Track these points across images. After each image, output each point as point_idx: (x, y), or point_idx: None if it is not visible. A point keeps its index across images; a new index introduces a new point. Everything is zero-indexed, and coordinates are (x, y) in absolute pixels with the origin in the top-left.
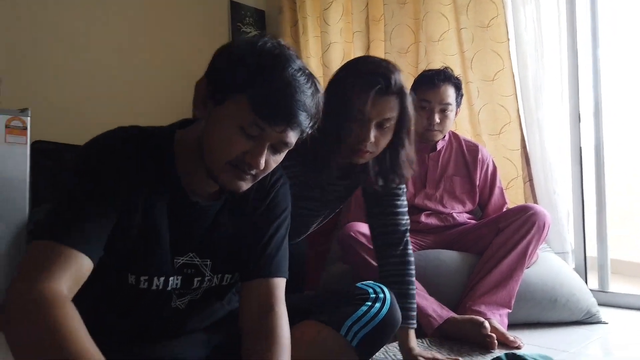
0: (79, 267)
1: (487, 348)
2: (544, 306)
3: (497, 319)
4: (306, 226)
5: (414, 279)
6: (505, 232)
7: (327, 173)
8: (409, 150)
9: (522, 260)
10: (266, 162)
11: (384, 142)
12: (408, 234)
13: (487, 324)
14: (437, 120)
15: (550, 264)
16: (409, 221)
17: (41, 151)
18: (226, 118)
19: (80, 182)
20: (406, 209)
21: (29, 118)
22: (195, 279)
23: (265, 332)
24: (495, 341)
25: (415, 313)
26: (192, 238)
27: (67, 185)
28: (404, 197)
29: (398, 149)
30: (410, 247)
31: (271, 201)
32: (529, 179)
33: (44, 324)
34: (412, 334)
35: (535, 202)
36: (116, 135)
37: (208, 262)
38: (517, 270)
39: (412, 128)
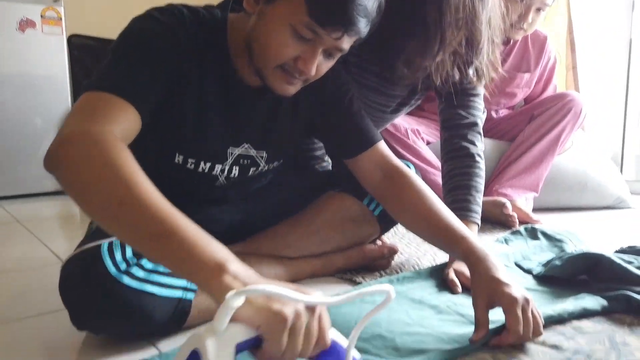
0: (130, 122)
1: (508, 227)
2: (574, 191)
3: (521, 201)
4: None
5: (483, 173)
6: (540, 119)
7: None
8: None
9: (554, 146)
10: (318, 67)
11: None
12: (480, 129)
13: (509, 204)
14: (530, 19)
15: (584, 150)
16: (483, 118)
17: (78, 46)
18: (278, 19)
19: (130, 45)
20: (482, 107)
21: (62, 8)
22: (251, 169)
23: (400, 187)
24: (517, 220)
25: (479, 208)
26: (248, 128)
27: (116, 50)
28: (480, 98)
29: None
30: (482, 143)
31: (330, 86)
32: (573, 66)
33: (109, 162)
34: (472, 229)
35: (577, 90)
36: (167, 9)
37: (264, 154)
38: (548, 156)
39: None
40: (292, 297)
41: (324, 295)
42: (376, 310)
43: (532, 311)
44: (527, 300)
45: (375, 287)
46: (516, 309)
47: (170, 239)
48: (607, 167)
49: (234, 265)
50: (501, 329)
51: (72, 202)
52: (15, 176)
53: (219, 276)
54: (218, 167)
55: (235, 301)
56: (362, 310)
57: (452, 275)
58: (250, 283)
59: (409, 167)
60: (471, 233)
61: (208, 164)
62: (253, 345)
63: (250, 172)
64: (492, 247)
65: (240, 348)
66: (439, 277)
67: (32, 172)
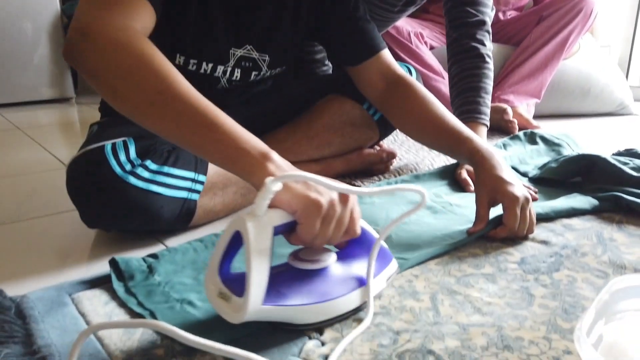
0: (147, 18)
1: (508, 133)
2: (576, 96)
3: (523, 107)
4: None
5: (492, 74)
6: (548, 20)
7: None
8: None
9: (560, 50)
10: None
11: None
12: (489, 27)
13: (509, 110)
14: None
15: (590, 54)
16: (492, 16)
17: None
18: None
19: None
20: (490, 3)
21: None
22: (253, 73)
23: (404, 95)
24: (516, 126)
25: (489, 110)
26: (251, 29)
27: None
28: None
29: None
30: (490, 43)
31: None
32: None
33: (140, 54)
34: (481, 131)
35: None
36: None
37: (266, 58)
38: (554, 61)
39: None
40: (329, 185)
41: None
42: (411, 212)
43: (529, 211)
44: (527, 200)
45: (410, 186)
46: (516, 208)
47: (214, 129)
48: (612, 72)
49: (275, 155)
50: (497, 223)
51: (70, 107)
52: (10, 84)
53: (263, 164)
54: (220, 69)
55: (274, 186)
56: (390, 207)
57: (464, 174)
58: (289, 171)
59: (411, 72)
60: (475, 135)
61: (210, 65)
62: (288, 229)
63: (252, 76)
64: None
65: (277, 231)
66: (437, 179)
67: (27, 80)
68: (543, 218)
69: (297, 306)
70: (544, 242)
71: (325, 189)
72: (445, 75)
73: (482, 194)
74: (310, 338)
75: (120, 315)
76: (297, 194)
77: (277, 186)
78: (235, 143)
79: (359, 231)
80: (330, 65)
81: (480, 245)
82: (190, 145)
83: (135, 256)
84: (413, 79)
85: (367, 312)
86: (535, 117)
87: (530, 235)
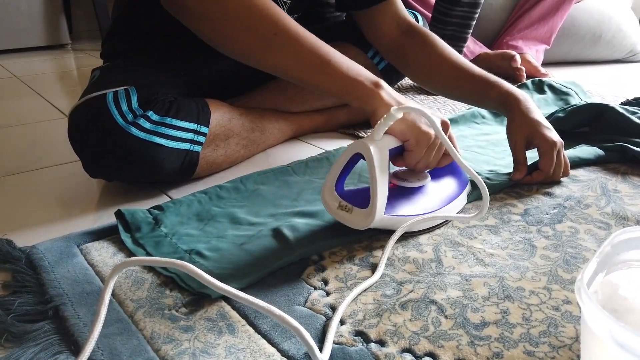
0: None
1: (515, 81)
2: (586, 42)
3: (532, 54)
4: None
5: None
6: None
7: None
8: None
9: None
10: None
11: None
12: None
13: (517, 57)
14: None
15: None
16: None
17: None
18: None
19: None
20: None
21: None
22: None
23: (421, 42)
24: (524, 74)
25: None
26: None
27: None
28: None
29: None
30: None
31: None
32: None
33: None
34: None
35: None
36: None
37: (287, 1)
38: (565, 4)
39: None
40: (437, 127)
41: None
42: (471, 217)
43: (563, 155)
44: (562, 145)
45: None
46: (553, 152)
47: (327, 64)
48: (625, 17)
49: (386, 84)
50: (532, 168)
51: (66, 53)
52: (5, 30)
53: (376, 92)
54: None
55: (398, 115)
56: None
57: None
58: (399, 100)
59: (417, 20)
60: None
61: None
62: (397, 152)
63: None
64: None
65: (391, 153)
66: None
67: (20, 26)
68: None
69: (409, 216)
70: (548, 194)
71: (431, 123)
72: None
73: (518, 138)
74: (315, 288)
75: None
76: (411, 124)
77: (399, 115)
78: (349, 75)
79: (450, 160)
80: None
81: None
82: (307, 81)
83: (140, 207)
84: (423, 28)
85: (379, 266)
86: (544, 64)
87: (534, 187)
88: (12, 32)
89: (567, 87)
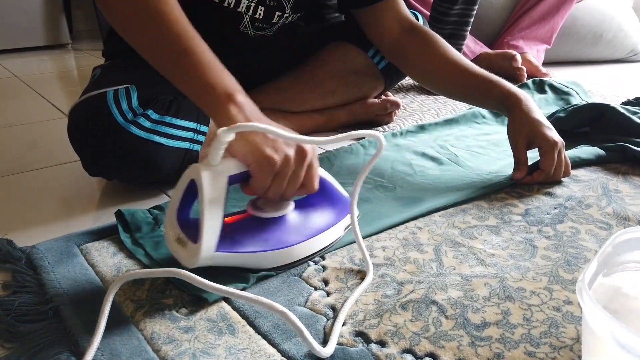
0: None
1: (516, 81)
2: (587, 42)
3: (533, 54)
4: None
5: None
6: None
7: None
8: None
9: None
10: None
11: None
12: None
13: (518, 57)
14: None
15: None
16: None
17: None
18: None
19: None
20: None
21: None
22: (277, 13)
23: (424, 40)
24: (525, 74)
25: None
26: None
27: None
28: None
29: None
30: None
31: None
32: None
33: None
34: None
35: None
36: None
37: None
38: (566, 4)
39: None
40: (283, 135)
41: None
42: (373, 160)
43: (564, 154)
44: (563, 145)
45: (364, 131)
46: (554, 152)
47: (185, 57)
48: (626, 17)
49: (241, 97)
50: (533, 168)
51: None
52: (6, 30)
53: (225, 104)
54: (244, 3)
55: (227, 136)
56: (365, 161)
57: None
58: (252, 118)
59: (417, 19)
60: (503, 80)
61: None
62: (244, 178)
63: (275, 17)
64: None
65: (232, 180)
66: (443, 129)
67: (21, 26)
68: None
69: (251, 253)
70: (549, 194)
71: (283, 143)
72: None
73: (519, 138)
74: (315, 289)
75: (129, 266)
76: (251, 147)
77: (230, 137)
78: (204, 76)
79: (316, 187)
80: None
81: (485, 197)
82: (162, 69)
83: (140, 207)
84: (431, 32)
85: (368, 266)
86: (544, 64)
87: (535, 187)
88: (12, 32)
89: (568, 87)
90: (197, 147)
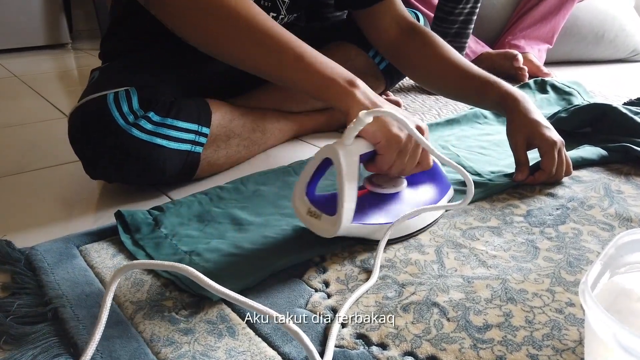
0: None
1: (517, 80)
2: (589, 42)
3: (534, 53)
4: None
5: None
6: None
7: None
8: None
9: None
10: None
11: None
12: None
13: (520, 56)
14: None
15: None
16: None
17: None
18: None
19: None
20: None
21: None
22: (271, 14)
23: (422, 41)
24: (527, 74)
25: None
26: None
27: None
28: None
29: None
30: None
31: None
32: None
33: None
34: None
35: None
36: None
37: (286, 0)
38: (567, 3)
39: None
40: (410, 130)
41: (427, 129)
42: (456, 205)
43: (564, 154)
44: (562, 144)
45: (466, 173)
46: (554, 152)
47: (302, 59)
48: (629, 16)
49: (361, 82)
50: (534, 169)
51: (66, 53)
52: (6, 29)
53: (350, 91)
54: None
55: (368, 119)
56: None
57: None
58: (375, 101)
59: (418, 19)
60: (502, 80)
61: None
62: (368, 157)
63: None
64: None
65: (362, 158)
66: (444, 129)
67: (20, 25)
68: None
69: (378, 225)
70: (551, 195)
71: (403, 125)
72: None
73: (519, 139)
74: (316, 290)
75: None
76: (381, 128)
77: (369, 119)
78: (323, 72)
79: (431, 164)
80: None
81: (486, 197)
82: (280, 78)
83: (140, 208)
84: (425, 27)
85: (374, 268)
86: (546, 63)
87: (537, 188)
88: (11, 32)
89: (569, 87)
90: (198, 148)
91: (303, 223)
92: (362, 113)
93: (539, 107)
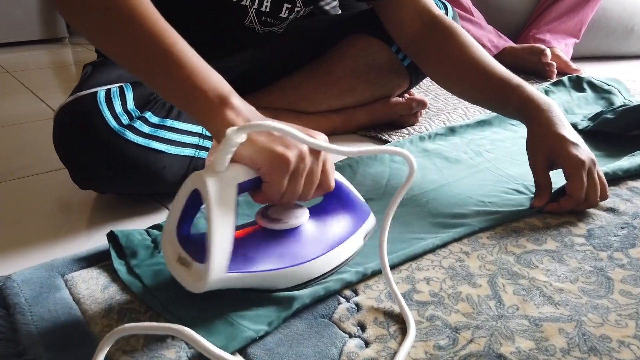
0: None
1: (545, 77)
2: (618, 35)
3: (561, 48)
4: None
5: None
6: None
7: None
8: None
9: None
10: None
11: None
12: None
13: (548, 51)
14: None
15: None
16: None
17: None
18: None
19: None
20: None
21: None
22: (285, 6)
23: (444, 37)
24: (555, 70)
25: None
26: None
27: None
28: None
29: None
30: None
31: None
32: None
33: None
34: None
35: None
36: None
37: None
38: None
39: None
40: (298, 137)
41: (327, 141)
42: (406, 185)
43: (597, 174)
44: (593, 162)
45: (393, 148)
46: (582, 173)
47: (168, 59)
48: None
49: (237, 99)
50: (559, 193)
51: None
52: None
53: (220, 109)
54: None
55: (237, 137)
56: (392, 170)
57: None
58: (252, 120)
59: (447, 11)
60: (528, 84)
61: None
62: (253, 186)
63: (284, 10)
64: None
65: (241, 188)
66: (475, 131)
67: (15, 19)
68: (609, 179)
69: (266, 272)
70: (612, 210)
71: (291, 140)
72: (477, 13)
73: (538, 157)
74: (350, 336)
75: (122, 302)
76: (260, 147)
77: (241, 138)
78: (192, 79)
79: (333, 184)
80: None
81: (536, 213)
82: (140, 76)
83: (137, 224)
84: (452, 20)
85: (408, 322)
86: (571, 59)
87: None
88: (6, 25)
89: (608, 85)
90: (203, 153)
91: (172, 274)
92: (230, 130)
93: (577, 107)
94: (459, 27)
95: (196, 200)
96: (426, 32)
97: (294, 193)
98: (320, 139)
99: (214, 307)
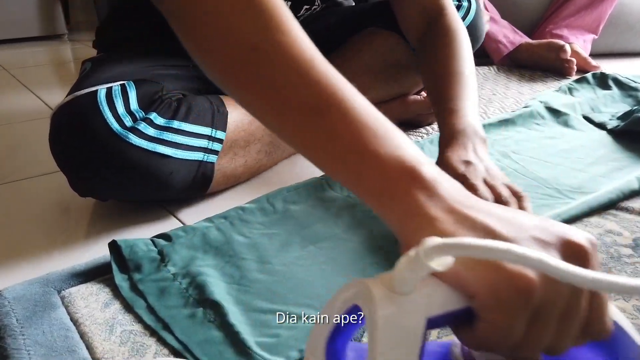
0: None
1: (564, 74)
2: (636, 31)
3: (579, 44)
4: None
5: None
6: None
7: None
8: None
9: None
10: None
11: None
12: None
13: (567, 47)
14: None
15: None
16: None
17: None
18: None
19: None
20: None
21: None
22: (305, 6)
23: (435, 39)
24: (575, 67)
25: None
26: None
27: None
28: None
29: None
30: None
31: None
32: None
33: None
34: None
35: None
36: None
37: None
38: None
39: None
40: (558, 270)
41: (595, 245)
42: None
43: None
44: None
45: None
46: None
47: (326, 116)
48: None
49: (429, 169)
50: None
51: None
52: None
53: (407, 189)
54: None
55: (434, 260)
56: None
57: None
58: (457, 203)
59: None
60: (476, 113)
61: None
62: (458, 320)
63: (302, 10)
64: (554, 97)
65: (433, 323)
66: (500, 129)
67: (13, 15)
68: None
69: None
70: None
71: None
72: (491, 8)
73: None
74: None
75: (125, 323)
76: (477, 261)
77: (439, 262)
78: (363, 143)
79: (609, 328)
80: None
81: (573, 220)
82: (285, 135)
83: (142, 233)
84: (454, 16)
85: None
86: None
87: (629, 206)
88: (4, 22)
89: (635, 82)
90: (212, 157)
91: None
92: (422, 249)
93: (603, 105)
94: (457, 28)
95: (356, 314)
96: (425, 31)
97: (537, 344)
98: (587, 242)
99: (228, 333)
